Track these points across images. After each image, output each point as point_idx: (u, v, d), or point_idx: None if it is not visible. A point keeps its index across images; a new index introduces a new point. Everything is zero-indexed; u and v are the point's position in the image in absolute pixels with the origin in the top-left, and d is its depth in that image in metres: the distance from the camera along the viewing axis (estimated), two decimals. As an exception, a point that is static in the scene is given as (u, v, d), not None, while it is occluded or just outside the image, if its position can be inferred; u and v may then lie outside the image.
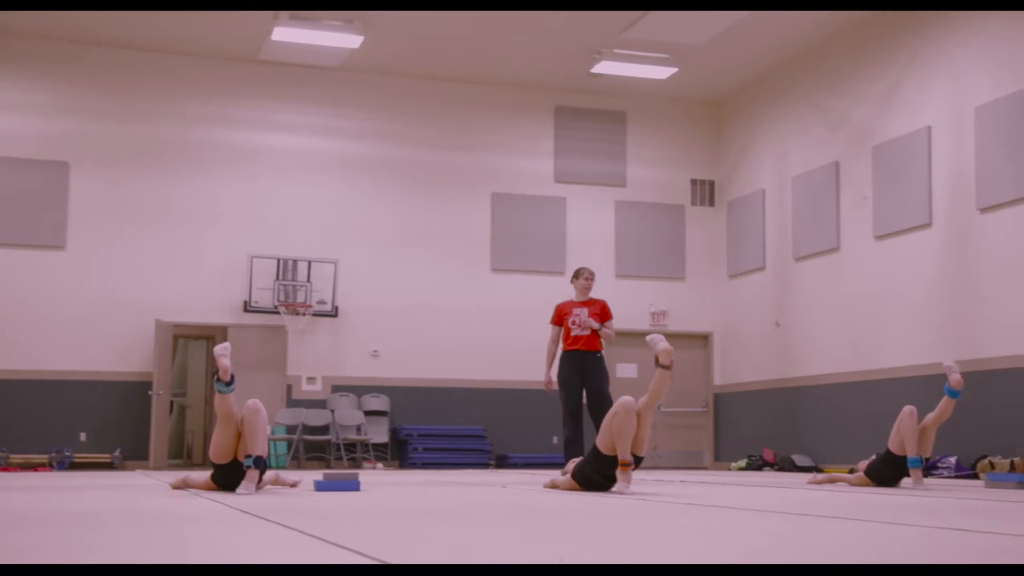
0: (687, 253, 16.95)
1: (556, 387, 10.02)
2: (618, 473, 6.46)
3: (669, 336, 17.81)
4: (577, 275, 10.00)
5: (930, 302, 12.65)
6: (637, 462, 6.56)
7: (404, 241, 15.92)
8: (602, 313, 9.82)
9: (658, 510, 4.85)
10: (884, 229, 13.43)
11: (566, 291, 16.45)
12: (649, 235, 16.81)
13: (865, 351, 13.72)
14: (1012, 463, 10.87)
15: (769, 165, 15.89)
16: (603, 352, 9.95)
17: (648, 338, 6.63)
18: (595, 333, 9.68)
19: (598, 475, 6.61)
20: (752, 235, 16.16)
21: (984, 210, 11.93)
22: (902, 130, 13.22)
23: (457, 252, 16.08)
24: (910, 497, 6.66)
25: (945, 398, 8.37)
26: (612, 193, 16.74)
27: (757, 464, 14.99)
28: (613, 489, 6.56)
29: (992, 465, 11.00)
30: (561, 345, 9.93)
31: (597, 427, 8.86)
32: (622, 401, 6.49)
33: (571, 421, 9.71)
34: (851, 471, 8.88)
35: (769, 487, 8.25)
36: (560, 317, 9.89)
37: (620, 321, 16.74)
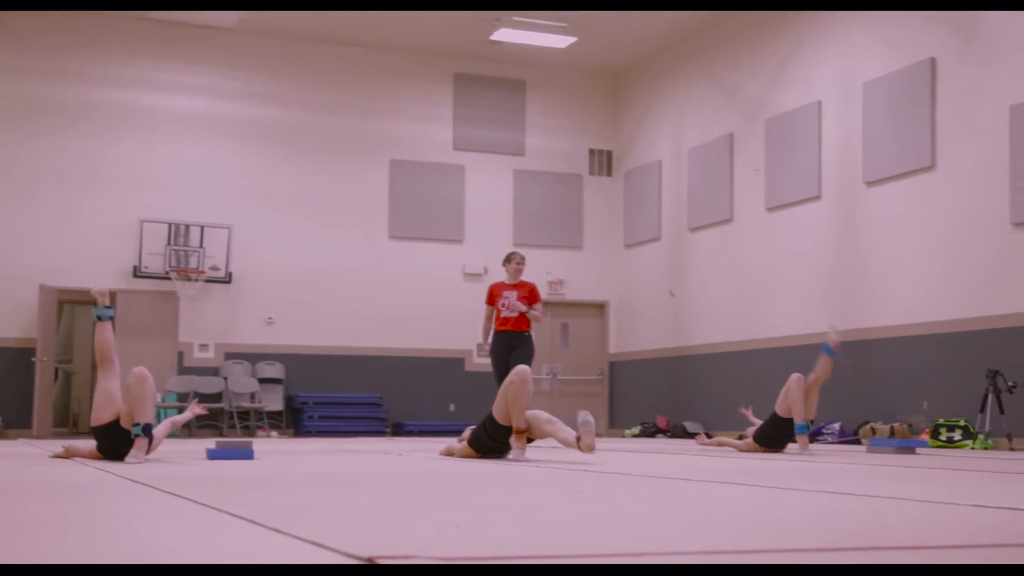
0: (584, 222, 17.08)
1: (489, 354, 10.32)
2: (512, 440, 6.50)
3: (565, 305, 17.95)
4: (508, 259, 10.32)
5: (819, 273, 12.99)
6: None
7: (300, 207, 15.69)
8: (530, 296, 10.15)
9: (554, 476, 4.89)
10: (776, 201, 13.72)
11: (464, 259, 16.50)
12: (547, 204, 16.88)
13: (756, 320, 14.04)
14: (892, 429, 11.27)
15: (666, 136, 16.08)
16: (531, 332, 10.24)
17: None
18: (523, 315, 10.04)
19: (493, 443, 6.65)
20: (648, 205, 16.35)
21: (870, 184, 12.28)
22: (794, 104, 13.50)
23: (354, 219, 15.91)
24: (796, 462, 6.86)
25: (823, 357, 8.68)
26: (511, 162, 16.75)
27: (650, 431, 15.25)
28: (508, 456, 6.60)
29: (874, 431, 11.39)
30: (493, 324, 10.17)
31: None
32: (517, 371, 6.53)
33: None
34: (740, 437, 9.11)
35: (661, 453, 8.40)
36: (493, 298, 10.22)
37: (517, 289, 16.83)
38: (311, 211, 15.72)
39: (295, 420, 15.32)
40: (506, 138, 16.73)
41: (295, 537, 2.26)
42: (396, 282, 15.99)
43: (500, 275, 16.37)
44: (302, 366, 15.49)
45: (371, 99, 16.15)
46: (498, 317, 10.09)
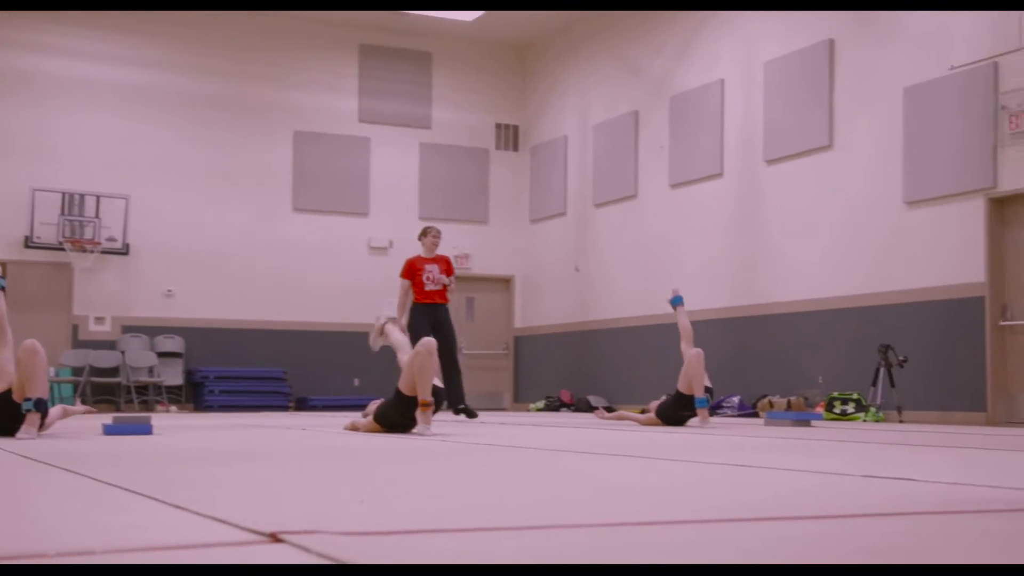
0: (491, 197, 17.08)
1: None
2: (418, 414, 6.49)
3: (471, 279, 17.99)
4: (425, 233, 10.53)
5: (721, 249, 13.23)
6: (437, 404, 6.63)
7: (202, 177, 15.37)
8: (448, 269, 10.43)
9: (459, 451, 4.91)
10: (679, 178, 13.91)
11: (370, 232, 16.36)
12: (453, 178, 16.84)
13: (659, 296, 14.22)
14: (789, 402, 11.56)
15: (572, 112, 16.15)
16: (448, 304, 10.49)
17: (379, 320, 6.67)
18: (445, 287, 10.30)
19: (399, 416, 6.63)
20: (554, 181, 16.43)
21: (771, 162, 12.53)
22: (697, 82, 13.67)
23: (257, 190, 15.66)
24: (696, 435, 6.99)
25: (676, 309, 8.97)
26: (417, 135, 16.65)
27: (555, 405, 15.39)
28: (414, 431, 6.59)
29: (771, 404, 11.67)
30: (411, 297, 10.17)
31: (448, 375, 9.64)
32: (423, 342, 6.51)
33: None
34: (642, 411, 9.24)
35: (565, 427, 8.49)
36: (413, 271, 10.28)
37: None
38: (213, 182, 15.42)
39: (195, 395, 15.07)
40: (412, 111, 16.61)
41: (196, 513, 2.22)
42: (300, 255, 15.81)
43: (406, 248, 16.33)
44: (203, 340, 15.23)
45: (275, 69, 15.87)
46: (421, 290, 10.20)
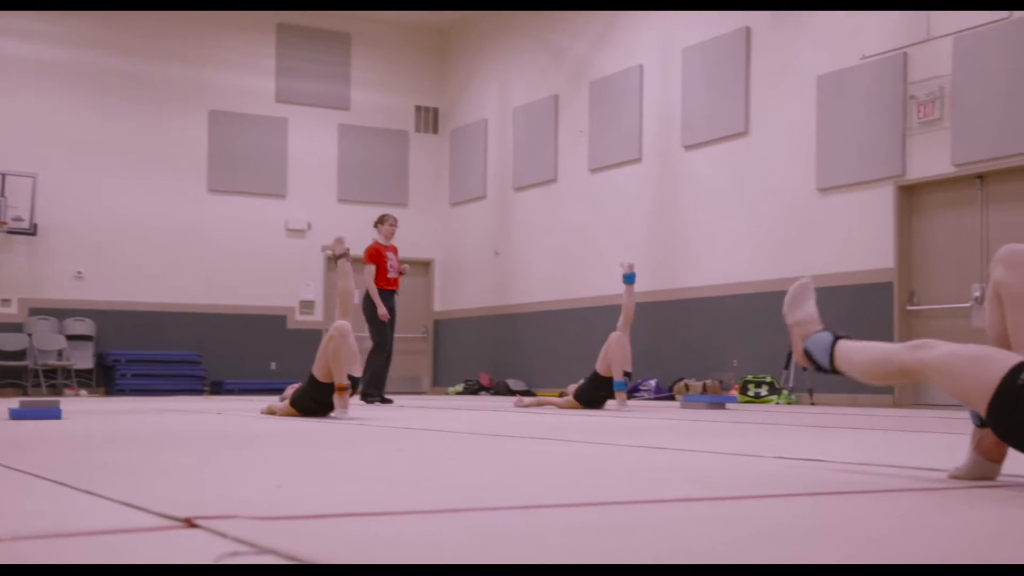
0: (410, 180, 16.99)
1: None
2: (336, 398, 6.45)
3: (390, 262, 17.57)
4: (383, 220, 10.65)
5: (638, 234, 13.35)
6: (355, 386, 6.59)
7: (113, 157, 15.02)
8: (397, 256, 10.61)
9: (376, 435, 4.89)
10: (598, 163, 13.99)
11: (287, 214, 16.14)
12: (372, 160, 16.71)
13: (578, 280, 14.32)
14: (704, 385, 11.74)
15: (492, 95, 16.13)
16: None
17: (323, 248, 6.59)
18: (400, 275, 10.48)
19: (314, 402, 6.58)
20: (474, 164, 16.40)
21: (688, 147, 12.67)
22: (617, 67, 13.75)
23: (171, 170, 15.35)
24: (614, 418, 7.07)
25: (625, 287, 8.98)
26: (335, 116, 16.47)
27: (474, 389, 15.41)
28: (331, 414, 6.55)
29: (687, 387, 11.84)
30: (373, 283, 10.35)
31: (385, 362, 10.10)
32: (337, 326, 6.47)
33: (386, 355, 10.31)
34: (561, 395, 9.30)
35: (483, 411, 8.51)
36: (380, 257, 10.41)
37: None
38: (125, 161, 15.07)
39: (107, 379, 14.75)
40: (331, 92, 16.43)
41: (107, 499, 2.18)
42: (215, 236, 15.55)
43: (324, 231, 16.18)
44: (114, 322, 14.91)
45: (189, 47, 15.56)
46: (384, 276, 10.33)
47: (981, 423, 2.60)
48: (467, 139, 16.59)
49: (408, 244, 16.97)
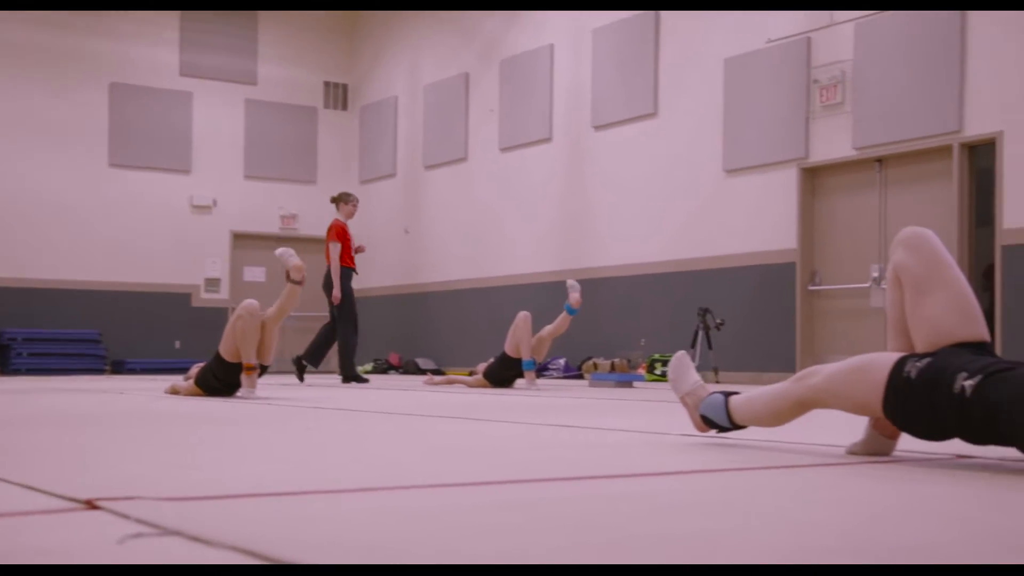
0: (319, 157, 16.80)
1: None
2: (243, 378, 6.36)
3: (299, 240, 17.65)
4: (347, 200, 10.59)
5: (549, 213, 13.41)
6: (263, 371, 6.50)
7: (9, 129, 14.53)
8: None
9: (285, 414, 4.84)
10: (509, 142, 14.00)
11: (192, 190, 15.82)
12: (280, 136, 16.46)
13: (489, 259, 14.34)
14: (612, 364, 11.87)
15: (402, 72, 16.00)
16: None
17: (278, 252, 6.51)
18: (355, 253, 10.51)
19: (220, 382, 6.49)
20: (384, 141, 16.28)
21: (598, 128, 12.75)
22: (527, 46, 13.76)
23: (70, 144, 14.91)
24: (523, 396, 7.11)
25: (564, 314, 8.94)
26: (242, 91, 16.18)
27: (383, 367, 15.34)
28: (238, 394, 6.46)
29: (595, 366, 11.96)
30: (337, 261, 10.27)
31: (331, 338, 10.11)
32: (245, 305, 6.38)
33: (355, 331, 10.32)
34: (470, 373, 9.32)
35: (392, 389, 8.48)
36: (345, 236, 10.37)
37: (249, 223, 16.42)
38: (20, 134, 14.60)
39: (2, 358, 14.32)
40: (237, 66, 16.12)
41: (6, 481, 2.12)
42: (117, 212, 15.18)
43: (231, 208, 15.92)
44: (9, 300, 14.46)
45: (89, 17, 15.10)
46: (348, 255, 10.32)
47: None
48: (377, 116, 16.45)
49: (316, 222, 16.81)
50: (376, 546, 1.45)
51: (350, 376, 10.15)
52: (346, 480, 2.25)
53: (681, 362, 3.14)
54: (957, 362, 2.42)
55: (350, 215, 10.54)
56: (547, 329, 8.92)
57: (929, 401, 2.43)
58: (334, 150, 16.88)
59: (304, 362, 10.24)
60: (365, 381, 10.11)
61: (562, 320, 8.95)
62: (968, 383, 2.36)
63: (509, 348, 8.79)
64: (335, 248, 10.26)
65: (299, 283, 6.37)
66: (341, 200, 10.59)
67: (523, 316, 8.79)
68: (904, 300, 2.67)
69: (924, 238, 2.66)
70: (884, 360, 2.55)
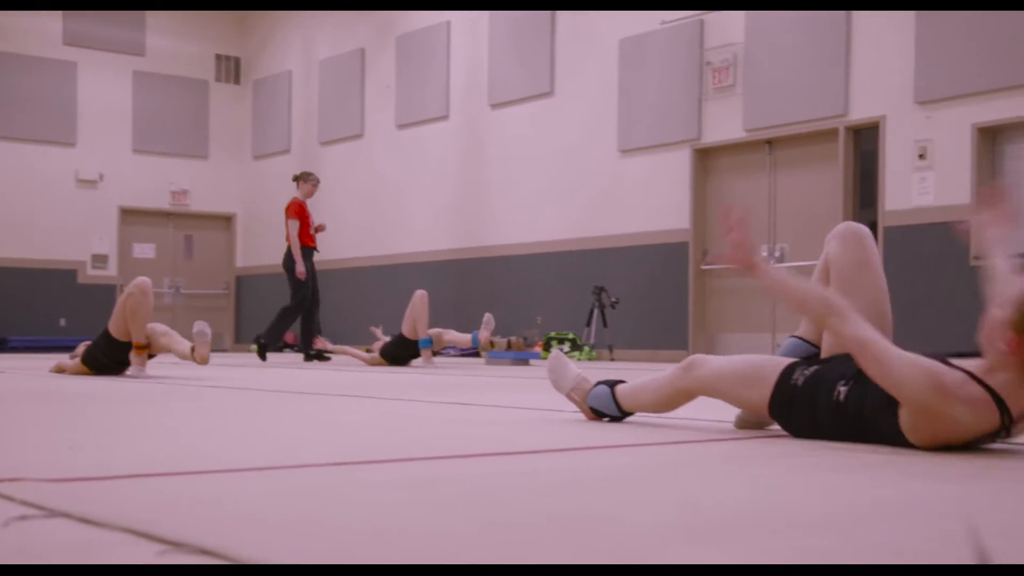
0: (210, 131, 16.45)
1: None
2: (132, 356, 6.23)
3: (190, 216, 17.23)
4: (306, 179, 10.45)
5: (446, 191, 13.39)
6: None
7: None
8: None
9: (175, 392, 4.75)
10: (406, 119, 13.92)
11: (77, 164, 15.35)
12: (170, 110, 16.07)
13: (387, 236, 14.26)
14: (509, 342, 11.91)
15: (296, 46, 15.75)
16: None
17: (197, 329, 6.25)
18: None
19: (109, 360, 6.34)
20: (278, 116, 16.02)
21: (495, 106, 12.76)
22: (423, 23, 13.67)
23: (-53, 114, 14.32)
24: (420, 375, 7.10)
25: (468, 337, 8.81)
26: (130, 62, 15.72)
27: (278, 346, 15.13)
28: (127, 373, 6.32)
29: (492, 344, 11.99)
30: (296, 239, 10.17)
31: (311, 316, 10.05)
32: (137, 282, 6.24)
33: (301, 311, 10.21)
34: (367, 351, 9.27)
35: (287, 368, 8.40)
36: (304, 214, 10.25)
37: (138, 199, 16.00)
38: None
39: None
40: (124, 36, 15.66)
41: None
42: (-2, 187, 14.65)
43: (118, 182, 15.50)
44: None
45: (-33, -19, 14.49)
46: (307, 233, 10.25)
47: None
48: (271, 91, 16.17)
49: (208, 197, 16.48)
50: (270, 524, 1.44)
51: (268, 345, 10.04)
52: (238, 459, 2.23)
53: (558, 360, 3.17)
54: (840, 370, 2.54)
55: (309, 194, 10.44)
56: (450, 334, 8.86)
57: (811, 407, 2.55)
58: (226, 125, 16.55)
59: (262, 341, 10.18)
60: (263, 359, 10.00)
61: (463, 341, 8.88)
62: (843, 389, 2.48)
63: (406, 328, 8.76)
64: (294, 226, 10.20)
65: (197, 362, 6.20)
66: (301, 179, 10.53)
67: (420, 295, 8.77)
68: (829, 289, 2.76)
69: (858, 237, 2.74)
70: (773, 367, 2.65)
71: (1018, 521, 1.53)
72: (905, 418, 2.33)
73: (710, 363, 2.76)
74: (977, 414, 2.24)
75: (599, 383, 3.09)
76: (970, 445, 2.36)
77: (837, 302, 2.43)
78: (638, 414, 3.10)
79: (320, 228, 10.46)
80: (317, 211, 15.33)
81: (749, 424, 2.88)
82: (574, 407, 3.29)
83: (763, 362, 2.69)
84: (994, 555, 1.24)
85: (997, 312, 2.25)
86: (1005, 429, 2.27)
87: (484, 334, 8.62)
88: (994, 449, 2.46)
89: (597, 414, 3.09)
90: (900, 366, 2.27)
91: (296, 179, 10.56)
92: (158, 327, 6.32)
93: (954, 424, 2.27)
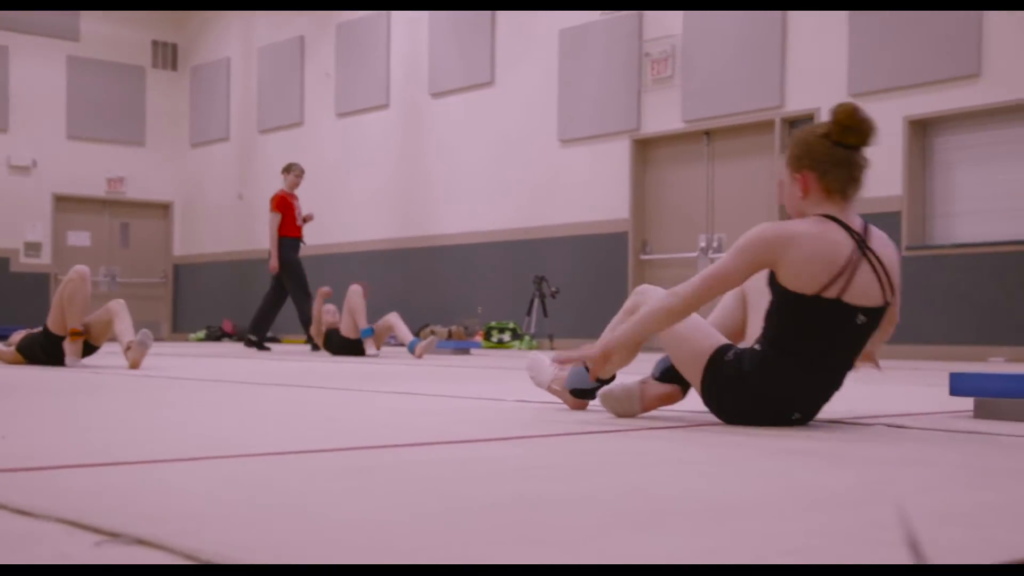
0: (147, 118, 16.21)
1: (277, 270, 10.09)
2: (67, 344, 6.14)
3: (126, 204, 16.98)
4: (290, 169, 10.44)
5: (387, 180, 13.34)
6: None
7: None
8: (299, 205, 10.40)
9: (111, 382, 4.70)
10: (346, 107, 13.84)
11: (9, 150, 15.04)
12: (106, 96, 15.80)
13: (326, 225, 14.16)
14: (450, 332, 11.93)
15: (234, 33, 15.58)
16: None
17: (139, 338, 6.10)
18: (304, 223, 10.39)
19: (46, 355, 6.25)
20: (217, 104, 15.84)
21: (435, 95, 12.73)
22: (364, 11, 13.59)
23: None
24: (363, 364, 7.09)
25: (409, 338, 8.60)
26: (64, 47, 15.43)
27: (216, 335, 15.01)
28: (67, 362, 6.24)
29: (433, 333, 11.99)
30: (276, 232, 10.08)
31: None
32: (76, 269, 6.16)
33: (308, 299, 10.06)
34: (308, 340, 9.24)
35: (227, 357, 8.33)
36: (287, 206, 10.19)
37: (73, 186, 15.74)
38: None
39: None
40: (57, 20, 15.36)
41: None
42: (-74, 173, 14.31)
43: (51, 169, 15.22)
44: None
45: None
46: (293, 224, 10.19)
47: (660, 377, 2.92)
48: (209, 78, 15.97)
49: (145, 185, 16.25)
50: (206, 514, 1.45)
51: (310, 341, 10.00)
52: (175, 449, 2.22)
53: (536, 359, 3.27)
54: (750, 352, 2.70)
55: (293, 185, 10.41)
56: (399, 329, 8.67)
57: (729, 383, 2.69)
58: (163, 111, 16.32)
59: (253, 337, 10.11)
60: (315, 350, 9.93)
61: (405, 338, 8.65)
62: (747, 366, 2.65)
63: (345, 326, 8.73)
64: (274, 219, 10.15)
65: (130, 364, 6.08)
66: (285, 170, 10.49)
67: (354, 289, 8.77)
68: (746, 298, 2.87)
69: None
70: (715, 337, 2.74)
71: (946, 505, 1.59)
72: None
73: (650, 295, 2.83)
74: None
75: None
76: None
77: (644, 310, 2.67)
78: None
79: (307, 218, 10.38)
80: (255, 197, 15.20)
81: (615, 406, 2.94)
82: (516, 395, 3.32)
83: (709, 332, 2.77)
84: (923, 539, 1.29)
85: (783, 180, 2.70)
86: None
87: (420, 350, 8.37)
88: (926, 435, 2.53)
89: (579, 396, 3.09)
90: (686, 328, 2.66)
91: (283, 171, 10.53)
92: (116, 305, 6.18)
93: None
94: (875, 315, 2.61)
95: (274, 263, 10.10)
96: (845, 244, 2.54)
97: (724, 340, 2.75)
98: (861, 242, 2.56)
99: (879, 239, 2.63)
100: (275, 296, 10.30)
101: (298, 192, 10.56)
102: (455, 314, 12.30)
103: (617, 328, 2.79)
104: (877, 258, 2.58)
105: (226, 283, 15.66)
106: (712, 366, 2.69)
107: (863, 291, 2.56)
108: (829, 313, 2.55)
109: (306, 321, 9.93)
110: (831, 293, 2.54)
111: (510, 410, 3.23)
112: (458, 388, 4.38)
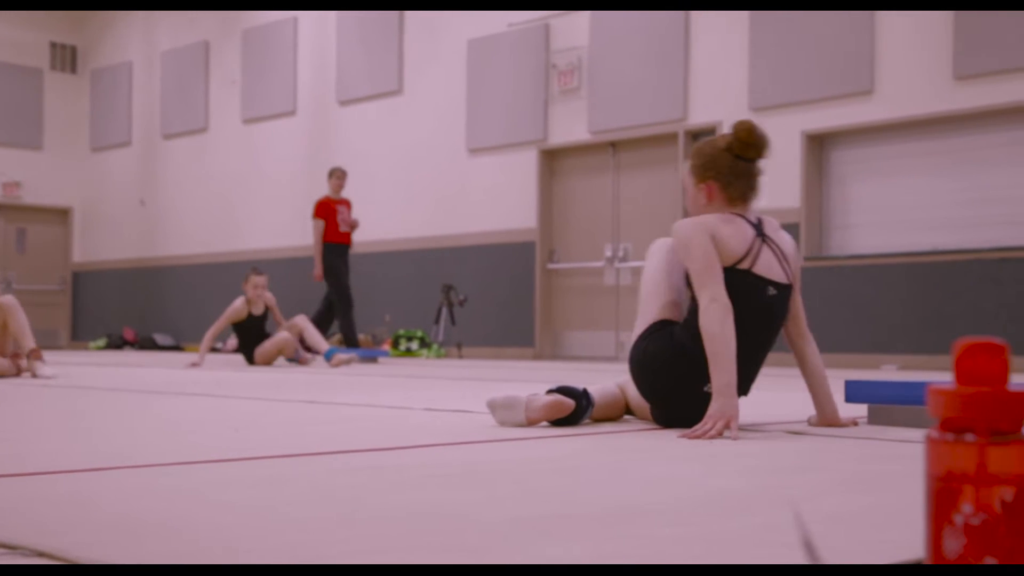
0: (45, 122, 15.81)
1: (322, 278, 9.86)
2: (32, 364, 6.07)
3: (23, 209, 16.57)
4: (331, 174, 10.24)
5: (293, 188, 13.22)
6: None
7: None
8: (350, 210, 10.22)
9: (12, 393, 4.59)
10: (252, 113, 13.68)
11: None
12: (2, 99, 15.36)
13: (231, 233, 13.98)
14: (357, 340, 11.88)
15: (136, 36, 15.29)
16: None
17: (46, 372, 6.01)
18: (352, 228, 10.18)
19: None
20: (118, 108, 15.52)
21: (343, 103, 12.68)
22: (271, 17, 13.48)
23: None
24: (267, 373, 7.02)
25: (324, 347, 8.54)
26: (-43, 47, 14.97)
27: (117, 343, 14.69)
28: (39, 374, 6.09)
29: (340, 341, 11.91)
30: (320, 238, 9.88)
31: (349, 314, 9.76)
32: (4, 301, 6.10)
33: (350, 305, 9.92)
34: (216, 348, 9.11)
35: (127, 366, 8.17)
36: (329, 211, 9.97)
37: (-36, 191, 15.22)
38: None
39: None
40: (-49, 20, 14.89)
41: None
42: None
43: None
44: None
45: None
46: (336, 230, 9.99)
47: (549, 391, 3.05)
48: (110, 81, 15.65)
49: (42, 190, 15.84)
50: (111, 525, 1.45)
51: (351, 344, 9.88)
52: (80, 460, 2.20)
53: (505, 399, 3.00)
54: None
55: (336, 189, 10.20)
56: (311, 335, 8.62)
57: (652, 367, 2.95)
58: (62, 115, 15.93)
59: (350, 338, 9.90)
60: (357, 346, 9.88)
61: (319, 347, 8.61)
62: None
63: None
64: (317, 225, 9.96)
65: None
66: (328, 175, 10.29)
67: (300, 318, 8.65)
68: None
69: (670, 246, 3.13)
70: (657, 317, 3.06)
71: (839, 508, 1.67)
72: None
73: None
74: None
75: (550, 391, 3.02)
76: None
77: (711, 348, 2.74)
78: (488, 410, 3.17)
79: (354, 224, 10.15)
80: (157, 203, 14.92)
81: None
82: (424, 403, 3.32)
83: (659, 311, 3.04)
84: (818, 541, 1.35)
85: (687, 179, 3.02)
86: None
87: (335, 362, 8.27)
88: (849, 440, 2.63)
89: (566, 394, 2.99)
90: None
91: (328, 177, 10.34)
92: (8, 304, 6.08)
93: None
94: (783, 292, 2.89)
95: (318, 271, 9.90)
96: (750, 229, 2.89)
97: (667, 316, 2.99)
98: (759, 230, 2.91)
99: (772, 226, 2.97)
100: (330, 301, 10.06)
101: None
102: (362, 322, 12.25)
103: (714, 379, 2.70)
104: (775, 243, 2.92)
105: (127, 290, 15.34)
106: (648, 333, 2.94)
107: (769, 266, 2.87)
108: (744, 282, 2.82)
109: (346, 329, 9.83)
110: (744, 265, 2.83)
111: (417, 420, 3.25)
112: (366, 397, 4.38)
